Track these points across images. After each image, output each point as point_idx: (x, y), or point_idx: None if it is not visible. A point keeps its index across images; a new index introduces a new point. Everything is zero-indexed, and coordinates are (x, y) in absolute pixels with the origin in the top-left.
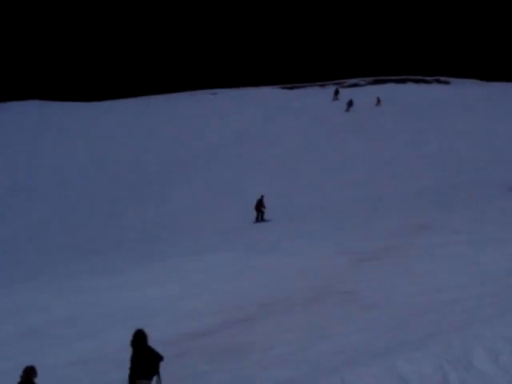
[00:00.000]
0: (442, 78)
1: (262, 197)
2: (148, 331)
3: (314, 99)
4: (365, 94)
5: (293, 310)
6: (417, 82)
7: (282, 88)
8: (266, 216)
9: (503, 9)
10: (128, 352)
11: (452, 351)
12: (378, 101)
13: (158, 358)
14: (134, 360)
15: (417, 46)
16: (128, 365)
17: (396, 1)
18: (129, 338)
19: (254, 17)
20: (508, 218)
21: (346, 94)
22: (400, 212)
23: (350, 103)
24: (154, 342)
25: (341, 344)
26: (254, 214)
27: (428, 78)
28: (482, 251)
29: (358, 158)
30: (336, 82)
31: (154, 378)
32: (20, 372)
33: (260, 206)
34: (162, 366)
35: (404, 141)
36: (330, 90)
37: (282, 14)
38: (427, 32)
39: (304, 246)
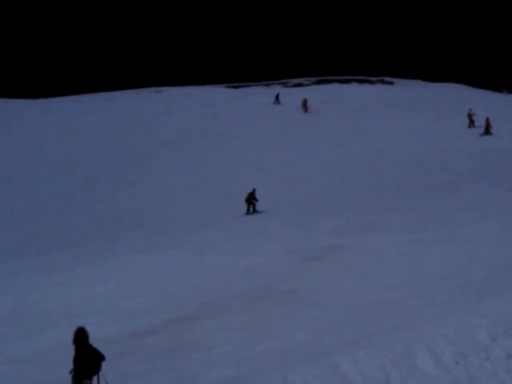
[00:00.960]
0: (386, 79)
1: (254, 190)
2: (90, 330)
3: (259, 99)
4: (309, 94)
5: (236, 309)
6: (361, 82)
7: (227, 87)
8: (257, 208)
9: (444, 11)
10: (67, 351)
11: (394, 350)
12: (304, 104)
13: (100, 356)
14: (76, 359)
15: (361, 47)
16: (68, 364)
17: (340, 2)
18: (70, 336)
19: (197, 15)
20: (450, 219)
21: (296, 94)
22: (344, 211)
23: (305, 103)
24: (96, 340)
25: (284, 343)
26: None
27: (372, 79)
28: (425, 251)
29: (303, 157)
30: (281, 81)
31: (96, 377)
32: None
33: (251, 198)
34: (105, 364)
35: (348, 140)
36: (275, 89)
37: (225, 13)
38: (371, 33)
39: (249, 245)
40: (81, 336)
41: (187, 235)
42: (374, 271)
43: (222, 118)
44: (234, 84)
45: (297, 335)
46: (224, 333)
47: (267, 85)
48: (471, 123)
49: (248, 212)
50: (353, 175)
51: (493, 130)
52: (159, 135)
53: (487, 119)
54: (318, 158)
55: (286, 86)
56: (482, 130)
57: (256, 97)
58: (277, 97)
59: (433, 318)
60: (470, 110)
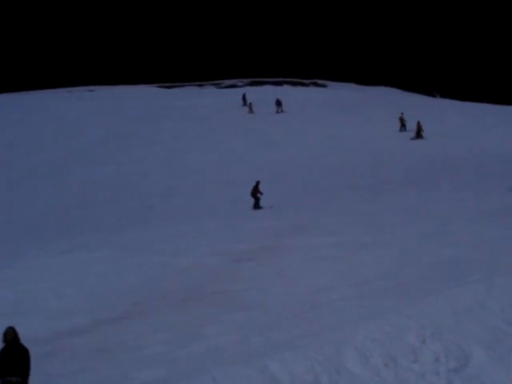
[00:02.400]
0: (319, 81)
1: (258, 182)
2: (19, 329)
3: (194, 99)
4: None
5: (166, 310)
6: (294, 84)
7: (160, 87)
8: (260, 203)
9: (377, 15)
10: None
11: (324, 352)
12: (250, 107)
13: (28, 355)
14: (4, 357)
15: (294, 49)
16: None
17: (273, 4)
18: None
19: (129, 13)
20: (380, 222)
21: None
22: (276, 213)
23: (279, 103)
24: (24, 340)
25: (213, 344)
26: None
27: (305, 81)
28: (355, 254)
29: (237, 158)
30: (214, 82)
31: (24, 377)
32: None
33: (256, 191)
34: (33, 364)
35: (281, 142)
36: (209, 90)
37: (156, 12)
38: (304, 35)
39: (181, 246)
40: (10, 335)
41: (118, 235)
42: (304, 273)
43: (154, 118)
44: (167, 84)
45: (227, 336)
46: (154, 333)
47: (200, 85)
48: (403, 127)
49: (255, 207)
50: (285, 177)
51: (424, 134)
52: (89, 135)
53: (418, 123)
54: (251, 160)
55: (219, 86)
56: (413, 134)
57: (191, 97)
58: (244, 98)
59: (362, 321)
60: (402, 113)
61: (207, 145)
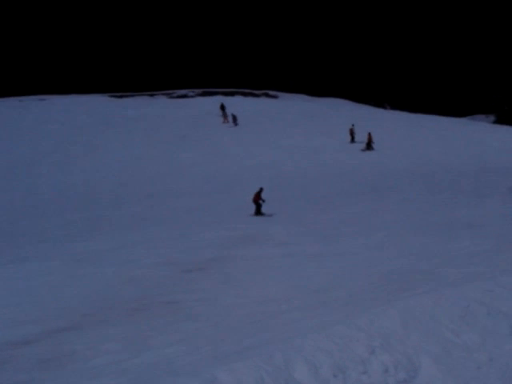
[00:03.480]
0: (271, 92)
1: (261, 189)
2: None
3: (145, 108)
4: (194, 105)
5: (115, 320)
6: (245, 95)
7: (111, 96)
8: (263, 210)
9: (326, 28)
10: None
11: (273, 363)
12: (234, 118)
13: None
14: None
15: (247, 61)
16: None
17: (226, 15)
18: None
19: (80, 24)
20: (331, 232)
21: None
22: (225, 223)
23: (234, 117)
24: None
25: (163, 354)
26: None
27: (256, 92)
28: (305, 264)
29: (187, 169)
30: (165, 92)
31: None
32: None
33: (258, 198)
34: None
35: (232, 153)
36: (160, 99)
37: (108, 23)
38: (255, 45)
39: (129, 256)
40: None
41: (68, 245)
42: (254, 283)
43: (105, 128)
44: (119, 94)
45: (176, 347)
46: (103, 344)
47: (151, 95)
48: (353, 138)
49: (256, 213)
50: (235, 188)
51: (374, 145)
52: (40, 144)
53: (369, 134)
54: (201, 170)
55: (170, 96)
56: (363, 145)
57: (141, 107)
58: (222, 107)
59: (312, 331)
60: (352, 125)
61: (158, 155)
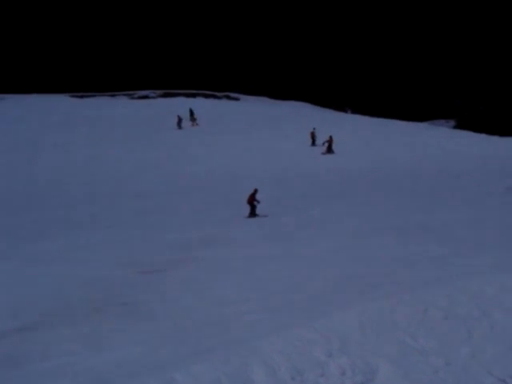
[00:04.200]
0: (232, 95)
1: (256, 190)
2: None
3: (107, 109)
4: (155, 106)
5: (73, 321)
6: (207, 96)
7: (72, 96)
8: (258, 211)
9: (288, 31)
10: None
11: (231, 365)
12: (194, 121)
13: None
14: None
15: (208, 62)
16: None
17: (188, 16)
18: None
19: (41, 23)
20: (291, 235)
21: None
22: (186, 225)
23: (180, 119)
24: None
25: (120, 355)
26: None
27: (218, 94)
28: (264, 266)
29: (148, 170)
30: (126, 93)
31: None
32: None
33: (252, 199)
34: None
35: (194, 154)
36: (121, 100)
37: (70, 23)
38: (219, 47)
39: (88, 256)
40: None
41: (26, 245)
42: (213, 285)
43: (66, 128)
44: (79, 93)
45: (134, 348)
46: (61, 344)
47: (112, 95)
48: (314, 141)
49: (250, 214)
50: (196, 189)
51: (335, 149)
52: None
53: (330, 138)
54: (163, 171)
55: (131, 97)
56: (324, 149)
57: (103, 107)
58: (191, 112)
59: (270, 334)
60: (314, 128)
61: (119, 155)
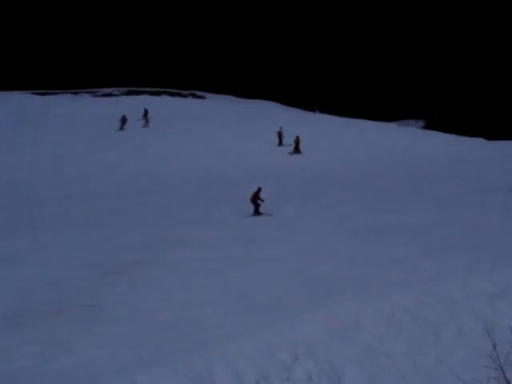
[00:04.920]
0: (198, 93)
1: (259, 189)
2: None
3: (69, 106)
4: (120, 104)
5: (34, 323)
6: (172, 95)
7: (34, 93)
8: (261, 210)
9: (256, 30)
10: None
11: (195, 368)
12: (146, 121)
13: None
14: None
15: (174, 60)
16: None
17: (152, 14)
18: None
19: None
20: (257, 237)
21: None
22: (149, 226)
23: (124, 120)
24: None
25: (82, 358)
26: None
27: (183, 92)
28: (229, 268)
29: (111, 169)
30: (90, 90)
31: None
32: None
33: (256, 198)
34: None
35: (157, 154)
36: (84, 98)
37: (34, 20)
38: (184, 45)
39: (48, 258)
40: None
41: None
42: (177, 287)
43: (27, 126)
44: (42, 91)
45: (97, 351)
46: (22, 347)
47: (75, 93)
48: (281, 141)
49: (255, 213)
50: (161, 189)
51: (302, 149)
52: None
53: (297, 137)
54: (126, 171)
55: (95, 95)
56: (291, 148)
57: (65, 104)
58: (145, 113)
59: (235, 337)
60: (281, 127)
61: (81, 154)
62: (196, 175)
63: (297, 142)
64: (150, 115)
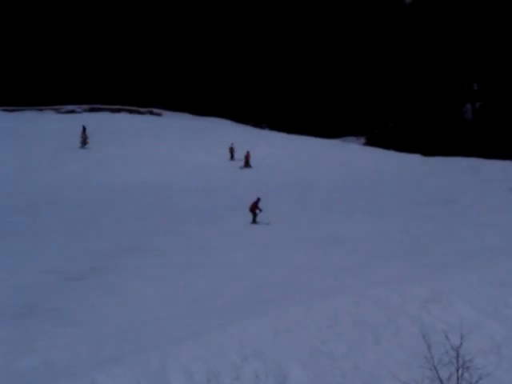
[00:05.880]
0: (156, 110)
1: (258, 199)
2: None
3: (33, 123)
4: (80, 120)
5: (1, 325)
6: (131, 112)
7: (3, 110)
8: (259, 219)
9: (208, 49)
10: None
11: (149, 368)
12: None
13: None
14: None
15: (133, 78)
16: None
17: (111, 31)
18: None
19: None
20: (210, 245)
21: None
22: (108, 234)
23: (83, 130)
24: None
25: (44, 358)
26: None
27: (141, 109)
28: (184, 274)
29: (71, 181)
30: (54, 107)
31: None
32: None
33: (255, 208)
34: None
35: (116, 168)
36: (48, 114)
37: None
38: (142, 64)
39: (15, 264)
40: None
41: None
42: (134, 292)
43: None
44: (10, 107)
45: (58, 351)
46: None
47: (40, 110)
48: (233, 156)
49: (253, 221)
50: (119, 201)
51: (252, 163)
52: None
53: (247, 153)
54: (85, 183)
55: (58, 111)
56: (242, 163)
57: (28, 121)
58: (83, 130)
59: (187, 338)
60: (232, 143)
61: (43, 167)
62: (152, 188)
63: (247, 156)
64: (87, 132)
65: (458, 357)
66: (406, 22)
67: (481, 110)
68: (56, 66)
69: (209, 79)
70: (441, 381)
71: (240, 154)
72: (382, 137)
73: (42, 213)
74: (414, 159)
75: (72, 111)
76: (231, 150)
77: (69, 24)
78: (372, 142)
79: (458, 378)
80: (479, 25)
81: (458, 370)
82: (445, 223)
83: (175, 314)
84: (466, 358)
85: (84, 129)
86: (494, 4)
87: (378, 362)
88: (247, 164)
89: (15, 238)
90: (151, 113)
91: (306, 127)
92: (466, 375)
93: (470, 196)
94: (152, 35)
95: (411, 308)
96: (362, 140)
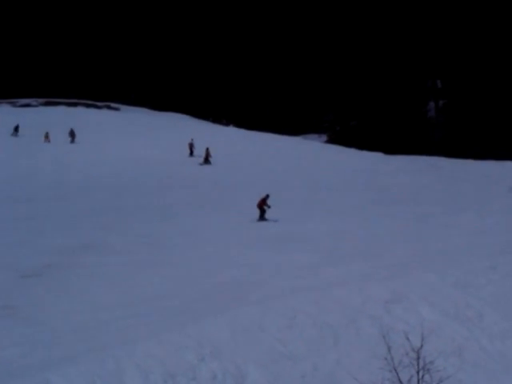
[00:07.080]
0: (113, 105)
1: (267, 196)
2: None
3: None
4: (36, 114)
5: None
6: (88, 106)
7: None
8: (267, 216)
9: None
10: None
11: (105, 368)
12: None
13: None
14: None
15: (90, 72)
16: None
17: (71, 26)
18: None
19: None
20: (167, 243)
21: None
22: (63, 231)
23: (17, 128)
24: None
25: (1, 355)
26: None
27: (98, 104)
28: (140, 273)
29: (27, 176)
30: (9, 101)
31: None
32: None
33: (263, 204)
34: None
35: (72, 163)
36: (3, 107)
37: None
38: (102, 57)
39: None
40: None
41: None
42: (90, 290)
43: None
44: None
45: (11, 349)
46: None
47: None
48: (192, 152)
49: (261, 218)
50: (77, 196)
51: (212, 160)
52: None
53: (207, 149)
54: (42, 178)
55: (14, 105)
56: (201, 159)
57: None
58: (16, 128)
59: (144, 338)
60: (192, 139)
61: (1, 162)
62: (108, 184)
63: (207, 153)
64: (19, 130)
65: (418, 358)
66: (370, 18)
67: (444, 108)
68: (11, 59)
69: (167, 74)
70: (401, 383)
71: (199, 151)
72: (343, 134)
73: None
74: (376, 157)
75: (27, 105)
76: (190, 146)
77: (24, 16)
78: (334, 139)
79: (418, 380)
80: (443, 22)
81: (418, 372)
82: (407, 223)
83: (131, 314)
84: (426, 359)
85: (17, 126)
86: (456, 1)
87: (337, 363)
88: (207, 160)
89: None
90: (109, 107)
91: (268, 123)
92: (427, 377)
93: (433, 195)
94: (108, 29)
95: (372, 308)
96: (324, 137)
